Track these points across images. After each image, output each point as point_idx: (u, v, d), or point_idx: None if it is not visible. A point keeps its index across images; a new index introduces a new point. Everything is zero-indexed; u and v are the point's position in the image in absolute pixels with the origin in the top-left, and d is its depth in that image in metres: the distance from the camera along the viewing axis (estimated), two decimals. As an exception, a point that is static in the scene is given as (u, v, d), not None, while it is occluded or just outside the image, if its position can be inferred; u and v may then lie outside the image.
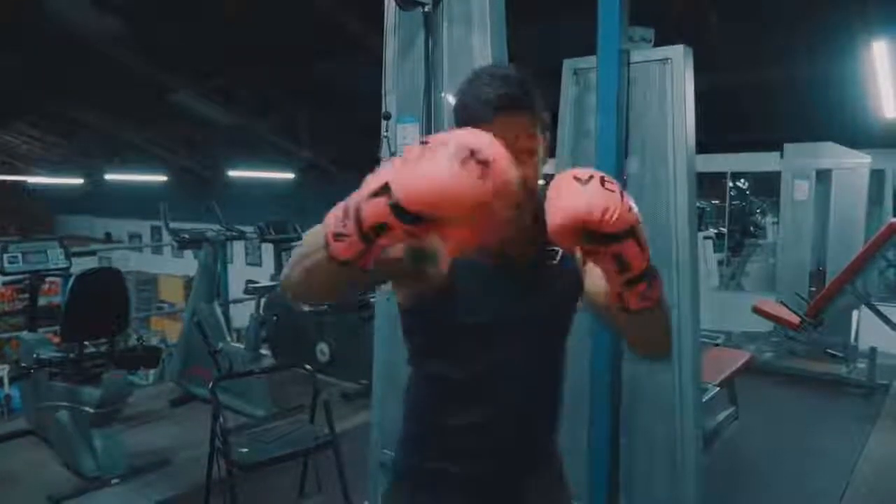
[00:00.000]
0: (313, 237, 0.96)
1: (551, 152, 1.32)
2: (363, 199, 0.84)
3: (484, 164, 0.80)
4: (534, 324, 1.24)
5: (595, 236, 0.92)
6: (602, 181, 0.94)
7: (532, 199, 1.16)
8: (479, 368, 1.23)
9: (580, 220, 0.91)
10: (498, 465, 1.28)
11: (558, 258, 1.25)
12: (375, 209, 0.83)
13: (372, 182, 0.84)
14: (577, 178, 0.95)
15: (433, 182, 0.79)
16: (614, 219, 0.91)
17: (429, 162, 0.80)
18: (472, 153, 0.80)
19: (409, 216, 0.81)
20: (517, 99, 1.12)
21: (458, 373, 1.24)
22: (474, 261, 1.17)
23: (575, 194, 0.92)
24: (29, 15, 6.88)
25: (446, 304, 1.19)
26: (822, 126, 6.16)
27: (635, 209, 0.95)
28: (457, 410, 1.25)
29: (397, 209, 0.81)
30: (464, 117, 1.14)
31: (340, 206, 0.89)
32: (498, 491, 1.29)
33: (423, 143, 0.84)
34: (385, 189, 0.81)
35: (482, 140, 0.83)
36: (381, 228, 0.84)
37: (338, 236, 0.88)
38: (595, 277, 1.14)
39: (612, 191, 0.93)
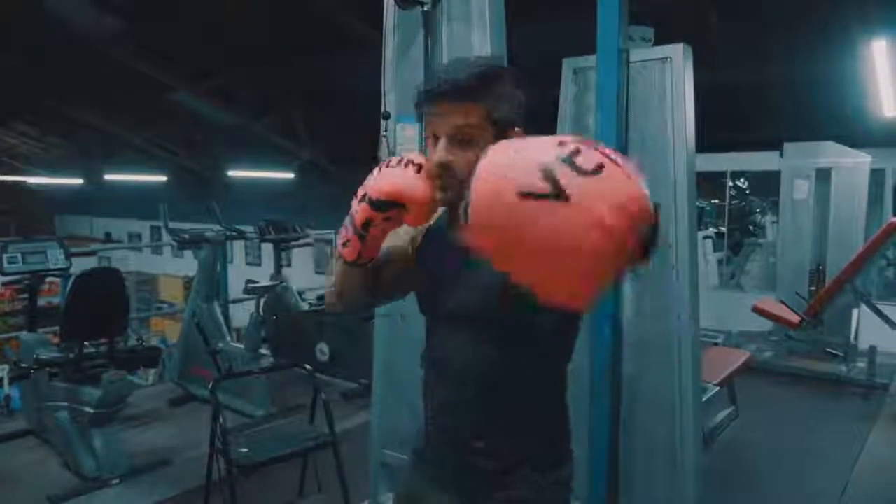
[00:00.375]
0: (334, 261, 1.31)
1: None
2: (353, 210, 1.20)
3: (417, 166, 1.17)
4: (466, 320, 1.25)
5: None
6: (573, 160, 0.77)
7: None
8: (428, 360, 1.35)
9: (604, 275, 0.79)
10: (442, 460, 1.33)
11: None
12: (361, 211, 1.18)
13: (356, 199, 1.20)
14: (529, 195, 0.76)
15: (392, 180, 1.17)
16: (645, 230, 0.78)
17: (386, 170, 1.19)
18: (409, 161, 1.18)
19: (382, 205, 1.16)
20: (456, 85, 1.16)
21: (427, 361, 1.37)
22: (441, 245, 1.28)
23: (561, 248, 0.76)
24: (29, 15, 6.88)
25: (419, 287, 1.39)
26: (821, 125, 6.16)
27: (643, 183, 0.80)
28: (426, 403, 1.37)
29: (373, 203, 1.17)
30: (417, 101, 1.24)
31: (342, 227, 1.24)
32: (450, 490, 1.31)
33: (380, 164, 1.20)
34: (364, 196, 1.18)
35: (413, 154, 1.21)
36: (368, 223, 1.18)
37: (344, 244, 1.24)
38: None
39: (620, 178, 0.76)
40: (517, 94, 1.21)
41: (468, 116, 1.16)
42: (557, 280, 0.77)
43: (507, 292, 1.12)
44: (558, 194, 0.75)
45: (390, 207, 1.16)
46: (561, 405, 1.31)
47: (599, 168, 0.76)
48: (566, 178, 0.75)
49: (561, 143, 0.80)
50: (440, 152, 1.17)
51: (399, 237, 1.34)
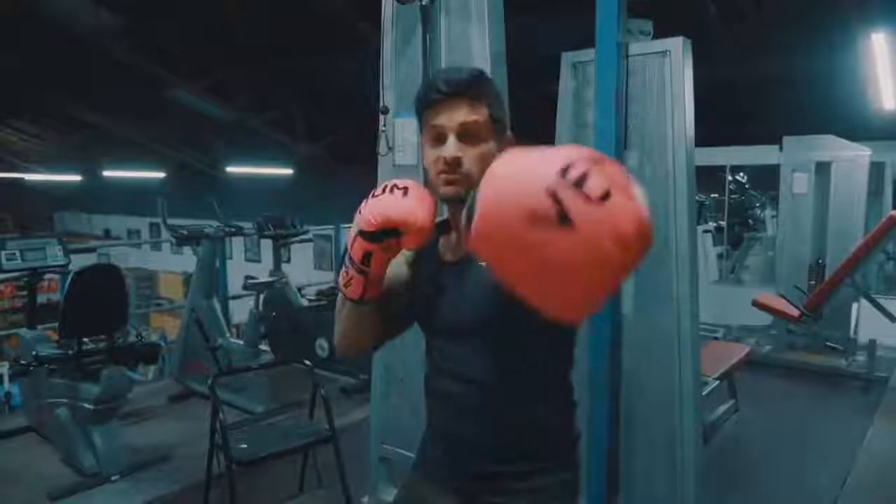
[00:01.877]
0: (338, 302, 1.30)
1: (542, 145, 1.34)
2: (350, 249, 1.19)
3: (403, 189, 1.17)
4: (480, 329, 1.23)
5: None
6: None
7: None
8: (435, 371, 1.32)
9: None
10: (455, 470, 1.30)
11: None
12: (358, 247, 1.18)
13: (350, 238, 1.20)
14: (535, 218, 0.83)
15: (381, 208, 1.15)
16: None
17: (373, 200, 1.17)
18: (394, 186, 1.17)
19: (378, 236, 1.16)
20: (459, 83, 1.20)
21: (428, 372, 1.35)
22: (432, 262, 1.31)
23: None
24: (29, 13, 6.86)
25: (415, 305, 1.35)
26: (821, 118, 6.14)
27: (644, 205, 0.86)
28: (430, 410, 1.37)
29: (368, 236, 1.17)
30: (417, 106, 1.25)
31: (342, 267, 1.23)
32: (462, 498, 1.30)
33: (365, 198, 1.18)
34: (358, 232, 1.18)
35: (396, 180, 1.19)
36: (367, 257, 1.18)
37: (346, 285, 1.22)
38: None
39: (625, 205, 0.83)
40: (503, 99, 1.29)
41: (475, 112, 1.20)
42: (554, 297, 0.84)
43: (504, 307, 1.16)
44: (564, 220, 0.79)
45: (386, 237, 1.17)
46: (565, 409, 1.33)
47: (606, 196, 0.79)
48: (573, 204, 0.79)
49: (570, 166, 0.81)
50: (451, 147, 1.19)
51: (398, 264, 1.34)
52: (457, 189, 1.20)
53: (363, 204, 1.18)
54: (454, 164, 1.19)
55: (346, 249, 1.22)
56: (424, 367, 1.38)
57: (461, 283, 1.25)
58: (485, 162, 1.17)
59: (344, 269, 1.22)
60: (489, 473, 1.27)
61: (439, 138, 1.21)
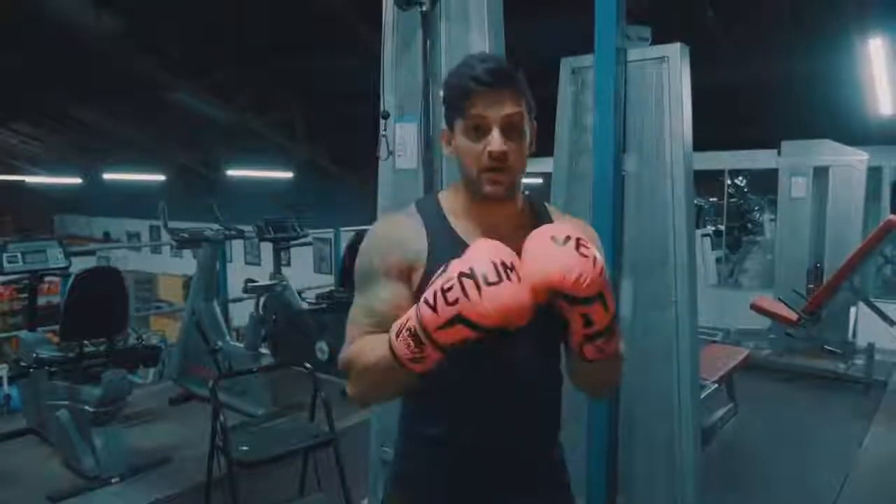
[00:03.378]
0: (373, 357, 1.11)
1: (542, 149, 1.32)
2: (435, 330, 1.00)
3: (512, 269, 1.01)
4: (533, 328, 1.16)
5: (567, 297, 1.02)
6: (578, 244, 1.03)
7: (519, 187, 1.21)
8: (484, 373, 1.20)
9: (553, 285, 1.01)
10: (498, 472, 1.24)
11: None
12: (456, 334, 1.00)
13: (439, 317, 1.00)
14: (553, 238, 1.03)
15: (502, 302, 0.98)
16: (585, 285, 1.01)
17: (488, 289, 0.98)
18: (506, 266, 1.00)
19: (491, 331, 1.00)
20: (503, 73, 1.14)
21: (466, 377, 1.19)
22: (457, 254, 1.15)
23: (550, 257, 1.02)
24: (29, 14, 6.87)
25: None
26: (819, 123, 6.17)
27: (606, 274, 1.03)
28: (463, 415, 1.23)
29: (478, 328, 0.99)
30: (453, 95, 1.17)
31: (403, 337, 1.04)
32: (495, 498, 1.26)
33: (448, 274, 1.01)
34: (458, 319, 0.98)
35: (501, 251, 1.03)
36: (465, 341, 1.01)
37: (415, 360, 1.03)
38: None
39: (587, 256, 1.02)
40: None
41: (518, 104, 1.14)
42: (535, 285, 1.03)
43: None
44: (562, 244, 1.04)
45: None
46: None
47: (587, 255, 1.03)
48: (573, 246, 1.04)
49: (582, 238, 1.05)
50: (497, 141, 1.12)
51: (393, 286, 1.19)
52: (503, 189, 1.15)
53: (471, 285, 0.98)
54: (501, 159, 1.12)
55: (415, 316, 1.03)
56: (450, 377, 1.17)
57: None
58: (524, 157, 1.17)
59: (416, 346, 1.02)
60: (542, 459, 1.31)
61: (480, 130, 1.13)
